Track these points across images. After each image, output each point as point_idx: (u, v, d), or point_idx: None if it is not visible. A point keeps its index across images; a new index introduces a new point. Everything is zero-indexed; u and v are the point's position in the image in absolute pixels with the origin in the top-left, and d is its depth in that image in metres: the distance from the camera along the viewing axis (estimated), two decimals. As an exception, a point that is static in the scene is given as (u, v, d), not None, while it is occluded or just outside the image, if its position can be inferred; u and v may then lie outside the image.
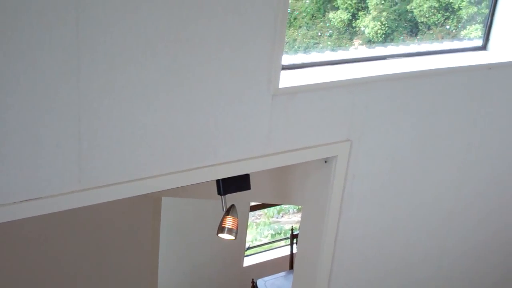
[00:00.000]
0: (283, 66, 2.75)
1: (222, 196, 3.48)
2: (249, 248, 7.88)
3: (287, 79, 2.74)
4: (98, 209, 3.78)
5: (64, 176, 2.30)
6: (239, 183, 3.14)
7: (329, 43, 14.03)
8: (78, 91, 2.19)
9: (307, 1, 14.88)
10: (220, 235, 4.00)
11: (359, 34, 14.13)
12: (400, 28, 14.03)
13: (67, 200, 2.34)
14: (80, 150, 2.29)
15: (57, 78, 2.13)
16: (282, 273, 6.26)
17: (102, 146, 2.33)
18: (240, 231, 4.45)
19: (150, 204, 5.21)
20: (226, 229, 3.92)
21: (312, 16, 14.80)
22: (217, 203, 3.67)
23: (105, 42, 2.17)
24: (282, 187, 5.02)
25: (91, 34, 2.13)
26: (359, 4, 14.27)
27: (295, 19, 14.66)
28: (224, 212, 3.84)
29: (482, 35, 3.60)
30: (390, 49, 3.39)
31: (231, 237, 3.98)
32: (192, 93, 2.45)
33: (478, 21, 12.67)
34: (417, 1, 13.61)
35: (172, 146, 2.50)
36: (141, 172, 2.47)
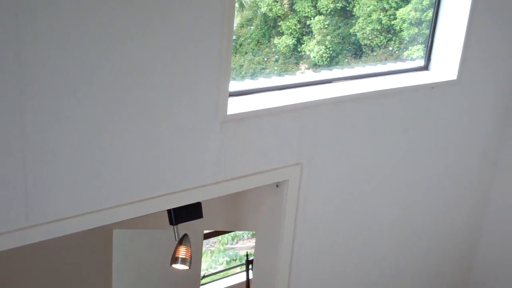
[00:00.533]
0: (230, 92, 2.75)
1: (174, 226, 3.44)
2: (204, 276, 7.80)
3: (235, 106, 2.74)
4: (47, 245, 3.68)
5: (10, 213, 2.22)
6: (191, 211, 3.10)
7: (275, 68, 14.19)
8: (23, 125, 2.13)
9: (252, 27, 15.04)
10: (174, 265, 3.94)
11: (304, 58, 14.35)
12: (345, 51, 14.33)
13: (14, 238, 2.27)
14: (26, 186, 2.22)
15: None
16: (239, 300, 6.20)
17: (49, 181, 2.27)
18: (194, 260, 4.39)
19: (101, 237, 5.10)
20: (179, 259, 3.86)
21: (258, 42, 14.98)
22: (170, 233, 3.62)
23: (48, 76, 2.12)
24: (235, 213, 4.99)
25: (33, 69, 2.08)
26: (303, 29, 14.53)
27: (241, 45, 14.79)
28: (177, 242, 3.79)
29: (424, 56, 3.69)
30: (336, 72, 3.44)
31: (185, 267, 3.92)
32: (140, 123, 2.41)
33: (420, 41, 13.05)
34: (359, 25, 13.93)
35: (122, 178, 2.46)
36: (90, 205, 2.42)
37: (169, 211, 3.22)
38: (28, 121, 2.14)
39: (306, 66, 14.27)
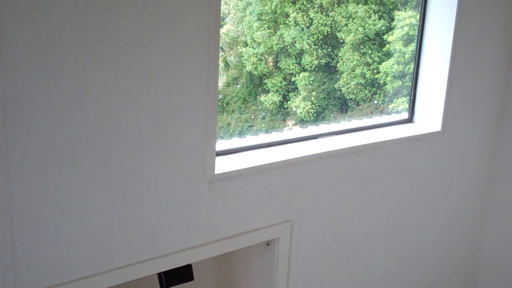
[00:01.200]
0: (218, 151, 2.76)
1: (165, 289, 3.37)
2: None
3: (223, 165, 2.75)
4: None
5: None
6: (181, 274, 3.05)
7: (263, 125, 14.30)
8: (9, 192, 2.12)
9: (238, 86, 15.22)
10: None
11: (291, 114, 14.49)
12: (331, 106, 14.49)
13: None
14: (14, 255, 2.18)
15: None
16: None
17: (37, 248, 2.23)
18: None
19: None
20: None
21: (244, 100, 15.14)
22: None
23: (34, 141, 2.12)
24: (226, 273, 4.92)
25: (19, 134, 2.09)
26: (289, 86, 14.72)
27: (227, 104, 14.93)
28: (168, 305, 3.71)
29: (408, 108, 3.74)
30: (322, 127, 3.47)
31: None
32: (127, 186, 2.40)
33: (404, 94, 13.24)
34: (344, 80, 14.15)
35: (110, 243, 2.42)
36: (79, 272, 2.37)
37: (159, 274, 3.17)
38: (14, 185, 2.13)
39: (293, 122, 14.41)
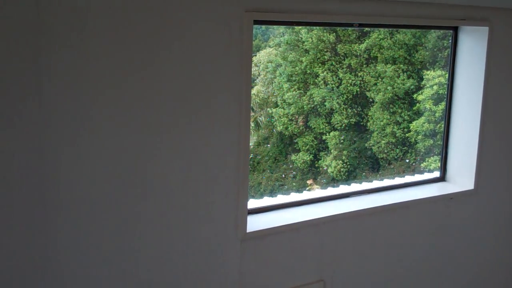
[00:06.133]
0: (249, 210, 2.78)
1: None
2: None
3: (254, 223, 2.76)
4: None
5: None
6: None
7: (293, 184, 14.27)
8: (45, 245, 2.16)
9: (269, 145, 15.31)
10: None
11: (322, 173, 14.45)
12: (362, 165, 14.43)
13: None
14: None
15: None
16: None
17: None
18: None
19: None
20: None
21: (275, 160, 15.18)
22: None
23: (70, 199, 2.18)
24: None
25: (56, 188, 2.15)
26: (320, 145, 14.75)
27: (258, 163, 14.99)
28: None
29: (440, 167, 3.72)
30: (354, 186, 3.47)
31: None
32: (158, 244, 2.43)
33: (436, 152, 13.13)
34: (374, 139, 14.13)
35: (142, 301, 2.44)
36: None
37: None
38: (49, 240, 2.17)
39: (324, 181, 14.34)
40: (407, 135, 13.99)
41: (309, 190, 8.71)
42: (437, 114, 13.25)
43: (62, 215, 2.19)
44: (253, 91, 15.29)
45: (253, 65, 15.30)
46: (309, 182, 14.23)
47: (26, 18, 2.01)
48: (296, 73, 14.68)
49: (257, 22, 2.57)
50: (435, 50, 14.10)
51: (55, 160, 2.13)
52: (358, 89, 14.37)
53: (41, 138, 2.09)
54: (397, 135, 13.97)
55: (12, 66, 2.01)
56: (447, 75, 3.68)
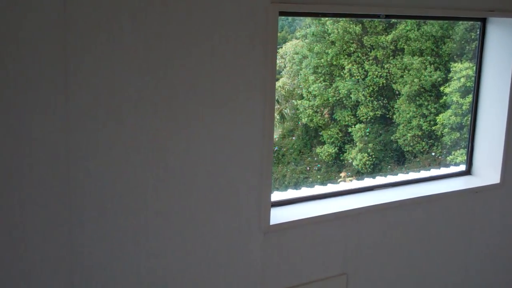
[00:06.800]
0: (273, 202, 2.78)
1: None
2: None
3: (278, 216, 2.76)
4: None
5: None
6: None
7: (318, 176, 14.23)
8: (71, 240, 2.19)
9: (294, 138, 15.28)
10: None
11: (347, 166, 14.38)
12: (387, 158, 14.33)
13: None
14: (71, 302, 2.25)
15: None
16: None
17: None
18: None
19: None
20: None
21: (300, 152, 15.15)
22: None
23: (95, 191, 2.21)
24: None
25: (82, 184, 2.18)
26: (345, 138, 14.68)
27: (283, 155, 14.98)
28: None
29: (466, 160, 3.68)
30: (379, 179, 3.45)
31: None
32: (182, 235, 2.45)
33: (463, 146, 12.98)
34: (400, 131, 14.02)
35: (166, 291, 2.46)
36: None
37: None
38: (74, 233, 2.20)
39: (346, 174, 14.27)
40: (433, 128, 13.84)
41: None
42: (464, 107, 13.09)
43: (87, 203, 2.21)
44: (279, 83, 15.26)
45: (279, 56, 15.27)
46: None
47: (53, 15, 2.03)
48: (322, 65, 14.60)
49: (282, 13, 2.56)
50: (462, 42, 13.90)
51: (81, 152, 2.16)
52: (384, 81, 14.25)
53: (67, 131, 2.12)
54: (423, 128, 13.83)
55: (40, 61, 2.04)
56: (474, 68, 3.64)
